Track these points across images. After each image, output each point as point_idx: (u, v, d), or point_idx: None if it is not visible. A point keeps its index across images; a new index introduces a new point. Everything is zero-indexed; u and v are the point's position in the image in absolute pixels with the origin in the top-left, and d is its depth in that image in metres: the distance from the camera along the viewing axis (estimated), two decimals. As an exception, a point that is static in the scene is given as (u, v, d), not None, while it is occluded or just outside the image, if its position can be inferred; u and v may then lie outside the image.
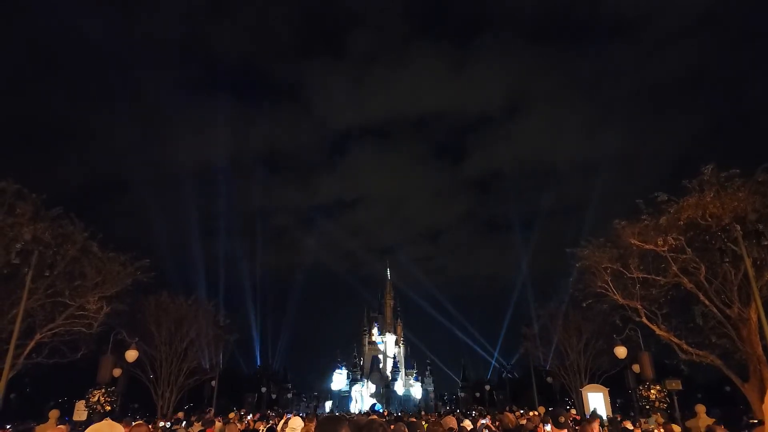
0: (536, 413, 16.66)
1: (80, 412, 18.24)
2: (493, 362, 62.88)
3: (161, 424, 17.21)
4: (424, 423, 10.47)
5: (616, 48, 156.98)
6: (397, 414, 26.16)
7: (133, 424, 11.67)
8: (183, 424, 17.08)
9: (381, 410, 46.80)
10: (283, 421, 14.81)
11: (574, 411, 25.19)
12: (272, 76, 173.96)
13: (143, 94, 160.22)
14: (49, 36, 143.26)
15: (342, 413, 41.03)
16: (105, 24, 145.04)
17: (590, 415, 14.20)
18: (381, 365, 69.64)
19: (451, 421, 9.71)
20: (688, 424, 15.70)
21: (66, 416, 19.62)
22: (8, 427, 19.37)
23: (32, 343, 18.44)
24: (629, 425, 14.07)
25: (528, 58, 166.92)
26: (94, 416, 16.86)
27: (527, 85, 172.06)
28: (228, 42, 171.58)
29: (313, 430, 13.85)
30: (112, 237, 20.65)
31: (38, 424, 15.87)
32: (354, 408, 61.69)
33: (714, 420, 13.54)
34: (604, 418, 17.26)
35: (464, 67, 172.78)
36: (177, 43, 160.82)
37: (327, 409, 62.85)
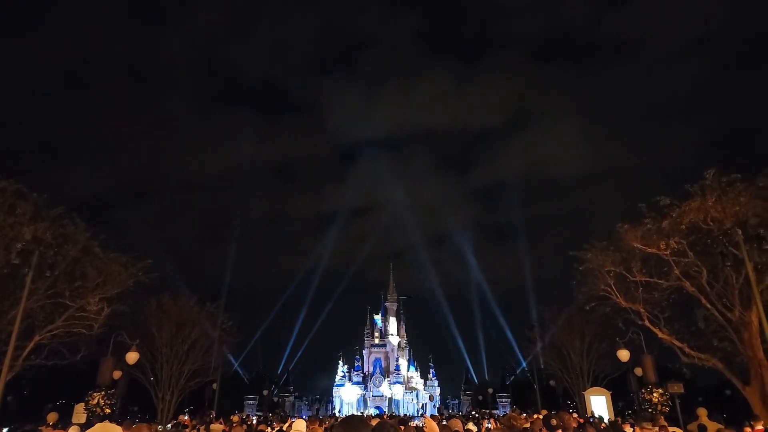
0: (539, 416, 16.53)
1: (79, 415, 18.10)
2: (494, 365, 62.80)
3: (160, 427, 17.13)
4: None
5: (616, 66, 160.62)
6: (400, 417, 26.04)
7: (133, 426, 11.64)
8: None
9: (383, 413, 46.65)
10: (287, 425, 14.76)
11: (576, 414, 25.03)
12: (288, 91, 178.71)
13: (167, 109, 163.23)
14: (79, 53, 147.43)
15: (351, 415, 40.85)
16: (133, 43, 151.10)
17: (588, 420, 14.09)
18: (384, 368, 69.47)
19: (456, 425, 9.59)
20: (690, 427, 15.60)
21: (65, 419, 19.50)
22: (5, 430, 19.24)
23: (31, 345, 18.15)
24: (629, 428, 13.94)
25: (531, 76, 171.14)
26: (94, 419, 16.75)
27: (530, 101, 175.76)
28: (247, 60, 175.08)
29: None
30: (130, 241, 20.63)
31: (38, 427, 15.76)
32: (356, 411, 61.46)
33: (715, 428, 13.35)
34: (606, 420, 17.16)
35: (471, 83, 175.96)
36: (200, 61, 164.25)
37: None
